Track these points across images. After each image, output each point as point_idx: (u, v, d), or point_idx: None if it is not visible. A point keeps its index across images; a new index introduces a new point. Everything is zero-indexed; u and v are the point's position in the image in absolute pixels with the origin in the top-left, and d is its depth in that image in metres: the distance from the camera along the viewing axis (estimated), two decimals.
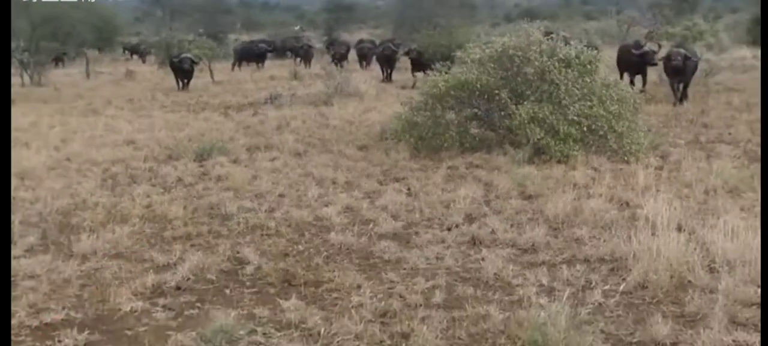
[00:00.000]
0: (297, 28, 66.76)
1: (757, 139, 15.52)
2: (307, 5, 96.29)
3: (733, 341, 6.31)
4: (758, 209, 10.14)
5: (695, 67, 20.87)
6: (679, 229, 8.84)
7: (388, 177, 12.86)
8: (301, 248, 9.32)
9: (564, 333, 6.22)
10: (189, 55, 29.11)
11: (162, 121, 20.55)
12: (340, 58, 37.04)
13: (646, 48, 22.49)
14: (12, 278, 8.25)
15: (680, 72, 20.44)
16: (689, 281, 7.61)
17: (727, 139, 15.65)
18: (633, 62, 23.20)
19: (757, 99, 21.12)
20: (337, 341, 6.56)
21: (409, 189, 11.95)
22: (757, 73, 25.43)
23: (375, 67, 34.17)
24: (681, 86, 20.67)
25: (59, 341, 6.66)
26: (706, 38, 25.42)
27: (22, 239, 9.75)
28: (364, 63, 36.94)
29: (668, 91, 22.13)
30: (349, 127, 18.22)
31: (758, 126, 17.06)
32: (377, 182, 12.54)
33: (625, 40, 34.10)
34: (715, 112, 19.12)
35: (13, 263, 8.78)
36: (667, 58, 20.60)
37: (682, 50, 21.05)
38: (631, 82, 23.08)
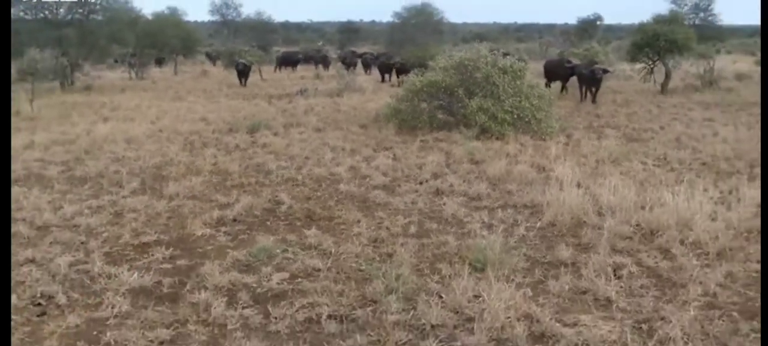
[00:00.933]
0: (320, 43, 66.49)
1: (633, 125, 15.53)
2: (327, 27, 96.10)
3: (613, 262, 6.32)
4: (633, 172, 10.15)
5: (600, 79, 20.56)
6: (578, 186, 8.84)
7: (380, 146, 12.82)
8: (319, 194, 9.30)
9: (498, 255, 6.22)
10: (244, 60, 29.03)
11: (225, 106, 20.47)
12: (351, 65, 36.91)
13: (574, 62, 22.28)
14: (121, 212, 8.28)
15: (597, 82, 20.16)
16: (584, 221, 7.62)
17: (612, 125, 15.63)
18: (561, 73, 22.83)
19: (633, 98, 21.15)
20: (343, 258, 6.56)
21: (394, 155, 11.92)
22: (634, 82, 25.36)
23: (374, 72, 33.96)
24: (594, 90, 20.33)
25: (152, 255, 6.66)
26: (600, 57, 25.35)
27: (128, 184, 9.74)
28: (367, 70, 36.71)
29: (574, 92, 22.11)
30: (354, 112, 18.17)
31: (634, 116, 17.08)
32: (372, 149, 12.51)
33: (546, 56, 34.11)
34: (604, 107, 19.09)
35: (121, 201, 8.80)
36: (591, 72, 20.19)
37: (600, 67, 20.79)
38: (562, 87, 23.08)
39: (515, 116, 13.83)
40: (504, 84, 14.32)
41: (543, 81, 21.45)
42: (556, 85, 23.09)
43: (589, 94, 20.58)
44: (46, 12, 27.51)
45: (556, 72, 23.22)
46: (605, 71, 20.42)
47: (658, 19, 26.38)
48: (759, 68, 33.69)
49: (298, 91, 24.07)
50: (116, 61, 36.82)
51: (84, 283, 5.92)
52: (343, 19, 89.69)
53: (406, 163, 11.20)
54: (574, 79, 21.94)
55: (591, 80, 20.18)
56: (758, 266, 6.26)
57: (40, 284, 5.80)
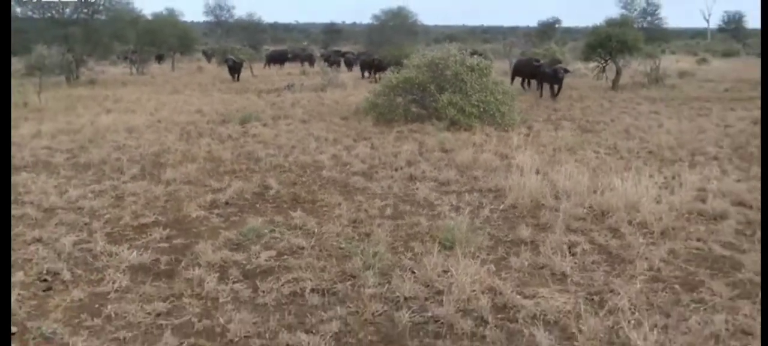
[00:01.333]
0: (305, 43, 66.23)
1: (587, 118, 15.59)
2: (312, 28, 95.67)
3: (568, 240, 6.35)
4: (586, 160, 10.21)
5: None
6: (537, 172, 8.85)
7: (359, 137, 12.77)
8: (304, 179, 9.25)
9: (465, 234, 6.23)
10: (233, 56, 28.87)
11: (219, 99, 20.31)
12: (336, 63, 36.60)
13: (541, 62, 22.06)
14: (122, 196, 8.19)
15: (560, 80, 19.94)
16: (542, 204, 7.64)
17: (568, 118, 15.66)
18: (528, 72, 22.49)
19: (587, 94, 21.23)
20: (325, 237, 6.54)
21: (372, 145, 11.88)
22: (588, 80, 25.45)
23: (355, 70, 33.77)
24: (557, 88, 20.10)
25: (150, 235, 6.60)
26: (558, 56, 25.45)
27: (128, 170, 9.66)
28: (350, 67, 36.43)
29: (533, 89, 22.18)
30: (336, 105, 18.10)
31: (588, 110, 17.16)
32: (352, 139, 12.46)
33: (510, 56, 34.08)
34: (561, 102, 19.14)
35: (122, 186, 8.72)
36: (554, 71, 19.96)
37: (562, 66, 20.61)
38: (528, 84, 22.96)
39: (481, 110, 13.83)
40: (471, 81, 14.34)
41: (507, 78, 21.30)
42: (527, 82, 23.03)
43: (550, 91, 20.35)
44: (53, 11, 27.28)
45: (525, 71, 23.04)
46: (566, 71, 20.34)
47: (610, 22, 26.58)
48: (699, 67, 34.04)
49: (285, 86, 23.96)
50: (119, 58, 36.47)
51: (87, 260, 5.86)
52: (327, 20, 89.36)
53: (383, 151, 11.17)
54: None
55: (554, 79, 20.02)
56: (697, 244, 6.33)
57: (47, 261, 5.73)
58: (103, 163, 10.23)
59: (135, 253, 5.96)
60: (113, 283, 5.30)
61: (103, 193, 8.35)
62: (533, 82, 22.54)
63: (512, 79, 23.26)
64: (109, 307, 4.85)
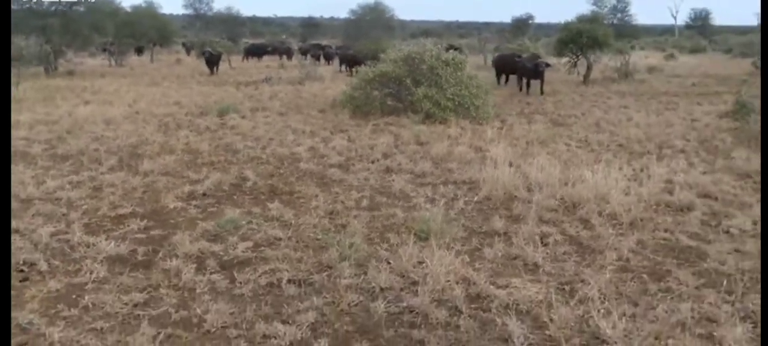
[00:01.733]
0: (284, 36, 65.84)
1: (559, 112, 15.68)
2: (290, 22, 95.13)
3: (540, 231, 6.37)
4: (558, 152, 10.26)
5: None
6: (511, 165, 8.88)
7: (336, 129, 12.73)
8: (281, 171, 9.20)
9: (440, 225, 6.23)
10: (210, 49, 28.55)
11: (197, 91, 20.14)
12: (315, 57, 36.31)
13: (523, 57, 21.80)
14: (100, 187, 8.08)
15: (540, 74, 19.61)
16: (515, 196, 7.66)
17: (540, 112, 15.75)
18: (511, 67, 22.03)
19: (559, 88, 21.34)
20: (302, 228, 6.50)
21: (349, 137, 11.84)
22: (560, 74, 25.55)
23: (334, 63, 33.59)
24: (540, 83, 19.76)
25: (128, 226, 6.52)
26: (531, 51, 25.60)
27: (106, 162, 9.54)
28: (329, 61, 36.14)
29: (512, 83, 22.25)
30: (313, 98, 18.03)
31: (560, 104, 17.25)
32: (329, 132, 12.41)
33: (483, 51, 34.21)
34: (533, 96, 19.23)
35: (99, 177, 8.62)
36: (535, 65, 19.66)
37: (544, 60, 20.50)
38: (506, 81, 22.79)
39: (456, 103, 13.84)
40: (446, 75, 14.34)
41: (481, 73, 21.08)
42: (506, 79, 22.86)
43: (534, 86, 19.99)
44: (32, 2, 26.84)
45: (506, 65, 22.81)
46: (547, 65, 20.19)
47: (582, 19, 26.76)
48: (667, 63, 34.37)
49: (263, 79, 23.82)
50: (98, 50, 35.99)
51: (64, 251, 5.77)
52: (305, 14, 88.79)
53: (360, 144, 11.14)
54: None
55: (534, 73, 19.73)
56: (665, 235, 6.39)
57: (24, 252, 5.62)
58: (81, 154, 10.08)
59: (112, 244, 5.88)
60: (90, 273, 5.22)
61: (81, 184, 8.23)
62: (513, 77, 22.41)
63: (498, 75, 23.08)
64: (86, 297, 4.78)
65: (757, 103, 13.00)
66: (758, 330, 4.39)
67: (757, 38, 43.65)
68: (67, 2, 27.41)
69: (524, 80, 20.41)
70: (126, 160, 9.76)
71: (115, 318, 4.52)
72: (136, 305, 4.70)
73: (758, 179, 8.65)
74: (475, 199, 7.64)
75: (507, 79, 22.83)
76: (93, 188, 8.03)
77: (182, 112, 15.01)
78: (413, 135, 11.77)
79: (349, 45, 37.58)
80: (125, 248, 5.82)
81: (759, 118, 12.05)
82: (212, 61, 27.90)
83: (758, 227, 6.59)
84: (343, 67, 30.01)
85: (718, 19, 76.76)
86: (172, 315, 4.57)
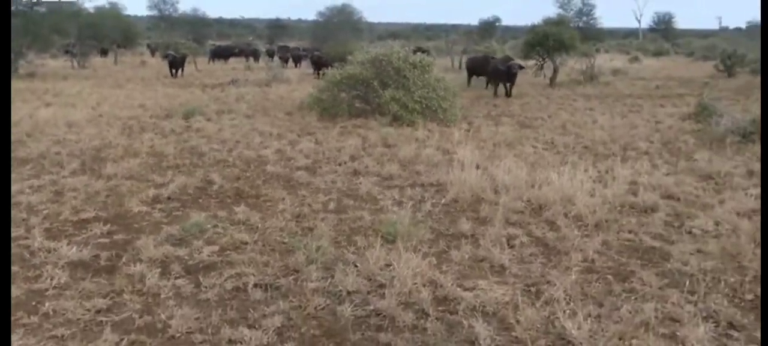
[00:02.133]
0: (250, 38, 65.48)
1: (525, 114, 15.81)
2: (257, 23, 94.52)
3: (507, 233, 6.42)
4: (525, 155, 10.34)
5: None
6: (478, 167, 8.94)
7: (303, 132, 12.68)
8: (248, 174, 9.13)
9: (407, 228, 6.25)
10: (172, 52, 28.22)
11: (162, 93, 19.92)
12: (285, 59, 35.99)
13: (496, 59, 21.70)
14: (61, 190, 7.95)
15: (513, 76, 19.44)
16: (482, 198, 7.70)
17: (507, 114, 15.86)
18: (482, 68, 22.15)
19: (525, 91, 21.51)
20: (269, 232, 6.46)
21: (316, 140, 11.81)
22: (527, 76, 25.71)
23: (302, 65, 33.40)
24: (509, 85, 19.62)
25: (90, 230, 6.43)
26: (498, 54, 25.83)
27: (68, 165, 9.39)
28: (297, 63, 35.83)
29: (479, 85, 22.36)
30: (281, 100, 17.95)
31: (526, 106, 17.39)
32: (297, 134, 12.36)
33: (451, 53, 34.33)
34: (500, 98, 19.36)
35: (61, 181, 8.48)
36: (507, 67, 19.46)
37: (516, 62, 20.31)
38: (487, 83, 22.48)
39: (424, 106, 13.89)
40: (414, 77, 14.40)
41: (449, 75, 21.02)
42: (481, 80, 22.78)
43: (504, 88, 19.87)
44: None
45: (480, 68, 22.74)
46: (521, 67, 20.12)
47: (548, 22, 27.04)
48: (632, 65, 34.86)
49: (229, 81, 23.66)
50: (60, 51, 35.42)
51: (24, 257, 5.66)
52: (272, 16, 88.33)
53: (327, 146, 11.12)
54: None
55: (507, 75, 19.54)
56: (629, 236, 6.47)
57: None
58: (41, 158, 9.90)
59: (74, 249, 5.78)
60: (51, 279, 5.13)
61: (42, 188, 8.08)
62: (482, 78, 22.43)
63: (470, 77, 23.07)
64: (46, 304, 4.70)
65: (718, 106, 13.29)
66: (720, 330, 4.49)
67: (718, 42, 44.65)
68: (27, 3, 26.93)
69: (498, 83, 20.25)
70: (89, 163, 9.61)
71: (77, 325, 4.45)
72: (98, 311, 4.63)
73: (719, 180, 8.83)
74: (443, 201, 7.67)
75: (491, 84, 22.59)
76: (54, 192, 7.89)
77: (147, 115, 14.84)
78: (381, 137, 11.78)
79: (317, 47, 37.49)
80: (87, 253, 5.73)
81: (721, 120, 12.30)
82: (175, 64, 27.46)
83: (720, 227, 6.72)
84: (315, 71, 29.89)
85: (681, 23, 78.11)
86: (136, 321, 4.51)
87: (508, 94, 19.59)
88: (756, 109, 12.74)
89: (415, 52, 15.97)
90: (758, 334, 4.42)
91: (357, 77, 14.90)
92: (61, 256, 5.62)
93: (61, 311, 4.61)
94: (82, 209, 7.17)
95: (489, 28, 64.07)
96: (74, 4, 31.98)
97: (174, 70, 27.27)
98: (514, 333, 4.40)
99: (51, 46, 30.93)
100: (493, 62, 20.94)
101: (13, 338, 4.22)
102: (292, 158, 10.16)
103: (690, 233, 6.62)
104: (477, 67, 23.11)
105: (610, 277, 5.39)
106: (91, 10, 38.43)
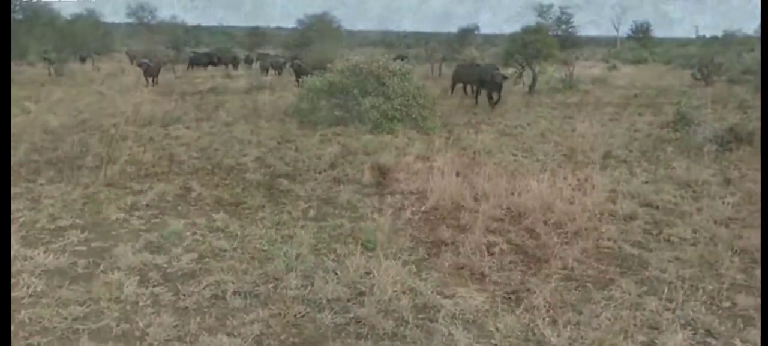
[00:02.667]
0: (230, 46, 65.17)
1: (505, 122, 15.86)
2: (236, 31, 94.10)
3: (487, 240, 6.45)
4: (504, 163, 10.38)
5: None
6: (458, 175, 8.94)
7: (283, 139, 12.64)
8: (227, 182, 9.10)
9: (387, 236, 6.27)
10: (146, 60, 27.90)
11: (141, 100, 19.76)
12: (265, 68, 35.74)
13: (481, 67, 21.50)
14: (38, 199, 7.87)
15: (498, 85, 19.04)
16: (462, 206, 7.73)
17: (487, 122, 15.84)
18: (467, 77, 21.97)
19: (505, 99, 21.55)
20: (248, 239, 6.45)
21: (296, 147, 11.78)
22: (507, 85, 25.69)
23: (284, 74, 33.24)
24: (496, 94, 19.10)
25: (67, 238, 6.37)
26: (478, 61, 25.90)
27: (45, 173, 9.29)
28: (277, 71, 35.51)
29: (459, 94, 22.43)
30: (261, 108, 17.87)
31: (506, 114, 17.44)
32: (276, 142, 12.32)
33: (430, 60, 34.43)
34: (480, 106, 19.42)
35: (38, 189, 8.40)
36: (491, 76, 19.08)
37: (500, 71, 20.03)
38: (472, 91, 21.83)
39: (403, 113, 13.93)
40: (393, 85, 14.43)
41: (428, 83, 20.85)
42: (464, 88, 22.67)
43: (489, 97, 19.22)
44: None
45: (465, 75, 22.60)
46: (504, 78, 19.83)
47: (527, 30, 27.13)
48: (610, 73, 35.14)
49: (209, 88, 23.55)
50: (37, 59, 35.07)
51: None
52: (252, 24, 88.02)
53: (307, 154, 11.09)
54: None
55: (492, 84, 19.10)
56: (608, 243, 6.53)
57: None
58: (19, 166, 9.78)
59: (51, 256, 5.74)
60: (27, 288, 5.08)
61: (18, 196, 7.99)
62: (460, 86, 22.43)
63: (454, 84, 23.03)
64: (22, 312, 4.65)
65: (696, 114, 13.42)
66: (698, 337, 4.54)
67: (695, 51, 45.16)
68: None
69: (484, 91, 19.77)
70: (66, 172, 9.52)
71: (54, 333, 4.41)
72: (75, 319, 4.59)
73: (697, 188, 8.93)
74: (422, 209, 7.69)
75: (475, 91, 22.37)
76: (31, 199, 7.81)
77: (125, 122, 14.72)
78: (361, 145, 11.78)
79: (297, 55, 37.36)
80: (65, 261, 5.68)
81: (701, 129, 12.44)
82: (150, 72, 27.15)
83: (698, 235, 6.81)
84: (297, 79, 29.73)
85: (659, 32, 78.86)
86: (114, 329, 4.48)
87: (494, 103, 19.35)
88: (733, 118, 12.91)
89: (395, 59, 15.99)
90: (736, 341, 4.49)
91: (337, 85, 14.91)
92: (38, 264, 5.57)
93: (37, 319, 4.57)
94: (59, 216, 7.11)
95: (468, 36, 64.24)
96: (51, 12, 31.73)
97: (149, 79, 26.94)
98: (493, 341, 4.43)
99: (28, 53, 30.58)
100: (477, 70, 20.91)
101: None
102: (273, 165, 10.13)
103: (668, 240, 6.70)
104: (464, 76, 23.09)
105: (589, 284, 5.44)
106: (68, 18, 38.16)
